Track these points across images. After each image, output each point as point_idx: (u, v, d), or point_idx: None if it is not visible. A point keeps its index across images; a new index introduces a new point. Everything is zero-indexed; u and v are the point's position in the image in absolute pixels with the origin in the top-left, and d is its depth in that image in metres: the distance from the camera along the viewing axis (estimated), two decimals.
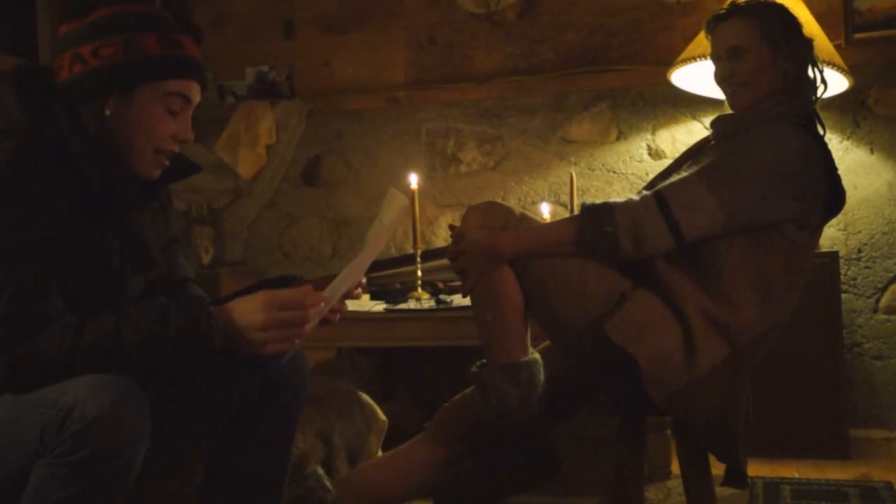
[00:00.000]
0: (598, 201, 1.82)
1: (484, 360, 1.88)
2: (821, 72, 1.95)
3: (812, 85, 1.94)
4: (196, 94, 1.52)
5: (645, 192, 1.84)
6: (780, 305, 1.85)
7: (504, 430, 1.82)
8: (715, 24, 1.98)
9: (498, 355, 1.83)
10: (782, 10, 1.98)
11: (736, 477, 1.86)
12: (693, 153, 2.04)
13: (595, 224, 1.77)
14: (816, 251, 2.82)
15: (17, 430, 1.27)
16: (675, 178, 1.86)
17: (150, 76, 1.45)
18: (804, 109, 1.91)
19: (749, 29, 1.92)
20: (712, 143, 2.00)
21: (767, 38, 1.90)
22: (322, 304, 1.43)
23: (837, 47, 2.84)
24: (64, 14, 1.48)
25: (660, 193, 1.79)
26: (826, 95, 2.87)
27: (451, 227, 1.91)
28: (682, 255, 1.82)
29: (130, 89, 1.45)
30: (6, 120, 1.40)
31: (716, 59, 1.98)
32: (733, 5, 1.99)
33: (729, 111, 2.01)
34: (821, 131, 1.92)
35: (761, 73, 1.91)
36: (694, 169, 1.85)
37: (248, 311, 1.36)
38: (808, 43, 1.95)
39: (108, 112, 1.44)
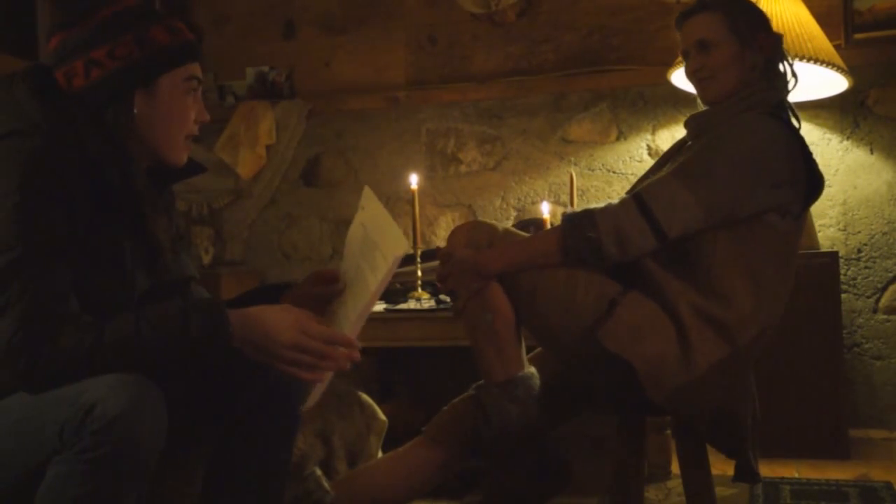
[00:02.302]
0: (577, 209, 1.83)
1: (481, 382, 1.89)
2: (790, 65, 1.97)
3: (783, 79, 1.95)
4: (201, 75, 1.56)
5: (624, 196, 1.85)
6: (773, 295, 1.85)
7: (509, 447, 1.83)
8: (683, 20, 2.01)
9: (494, 373, 1.84)
10: (749, 4, 2.00)
11: (746, 473, 1.86)
12: (671, 155, 2.06)
13: (577, 231, 1.78)
14: (816, 251, 2.84)
15: (35, 427, 1.27)
16: (652, 178, 1.88)
17: (168, 66, 1.47)
18: (774, 100, 1.92)
19: (716, 22, 1.94)
20: (689, 143, 2.01)
21: (734, 31, 1.92)
22: (346, 351, 1.40)
23: (837, 47, 2.84)
24: (58, 23, 1.48)
25: (638, 195, 1.80)
26: (826, 95, 2.91)
27: (438, 249, 1.91)
28: (670, 254, 1.82)
29: (153, 83, 1.46)
30: (25, 121, 1.40)
31: (685, 54, 2.01)
32: (701, 1, 2.00)
33: (702, 108, 2.03)
34: (795, 123, 1.93)
35: (729, 66, 1.92)
36: (671, 168, 1.86)
37: (282, 326, 1.36)
38: (776, 37, 1.97)
39: (135, 110, 1.46)
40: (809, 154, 1.89)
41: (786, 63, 1.96)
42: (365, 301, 1.49)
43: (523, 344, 1.89)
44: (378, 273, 1.47)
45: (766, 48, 1.93)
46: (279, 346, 1.36)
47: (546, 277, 1.81)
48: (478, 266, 1.82)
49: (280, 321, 1.37)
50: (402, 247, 1.45)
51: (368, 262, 1.51)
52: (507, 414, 1.82)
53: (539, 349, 2.03)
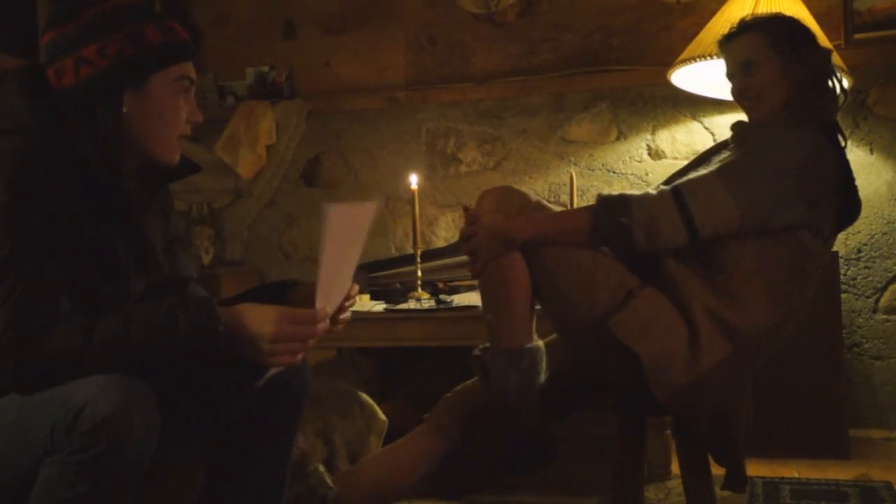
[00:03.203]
0: (614, 192, 1.82)
1: (487, 345, 1.88)
2: (839, 81, 1.95)
3: (832, 95, 1.93)
4: (195, 75, 1.54)
5: (662, 187, 1.84)
6: (787, 309, 1.85)
7: (502, 414, 1.82)
8: (726, 43, 2.00)
9: (502, 340, 1.83)
10: (792, 21, 1.99)
11: (735, 480, 1.86)
12: (711, 153, 2.05)
13: (611, 215, 1.77)
14: None
15: (26, 429, 1.27)
16: (692, 175, 1.87)
17: (159, 65, 1.46)
18: (825, 119, 1.91)
19: (758, 42, 1.93)
20: (731, 145, 2.01)
21: (777, 50, 1.91)
22: (327, 322, 1.43)
23: (837, 48, 2.84)
24: (50, 19, 1.47)
25: (677, 189, 1.79)
26: None
27: (466, 209, 1.90)
28: (693, 255, 1.82)
29: (143, 82, 1.45)
30: (13, 120, 1.40)
31: (730, 76, 2.00)
32: (742, 22, 1.99)
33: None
34: (841, 142, 1.92)
35: (774, 85, 1.92)
36: (712, 167, 1.86)
37: (261, 320, 1.37)
38: (823, 53, 1.95)
39: (125, 109, 1.45)
40: (852, 179, 1.88)
41: (834, 79, 1.94)
42: (340, 269, 1.50)
43: (534, 318, 1.88)
44: (357, 244, 1.49)
45: (811, 63, 1.92)
46: (262, 340, 1.36)
47: (569, 256, 1.80)
48: (504, 232, 1.81)
49: (259, 317, 1.37)
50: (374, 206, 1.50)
51: (352, 247, 1.51)
52: (507, 380, 1.81)
53: (551, 336, 2.02)
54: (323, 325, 1.41)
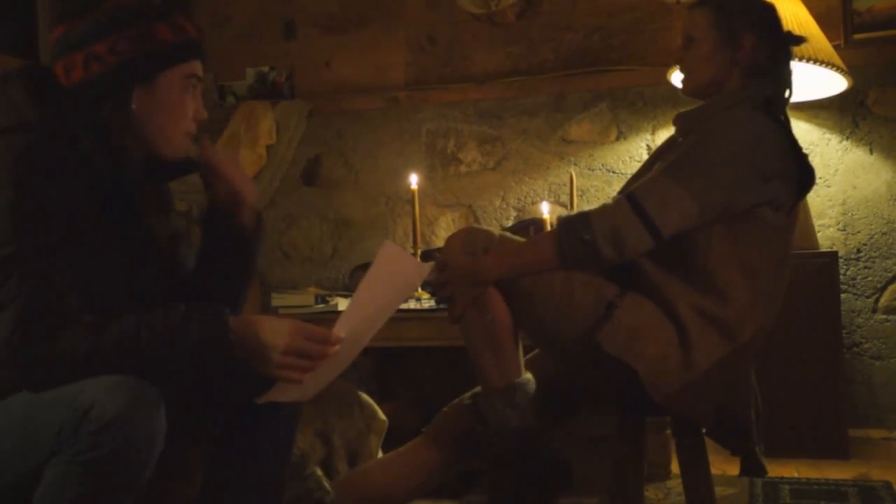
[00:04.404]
0: (573, 212, 1.82)
1: (476, 390, 1.89)
2: (787, 74, 1.92)
3: (773, 84, 1.91)
4: (202, 72, 1.55)
5: (617, 196, 1.84)
6: (770, 290, 1.85)
7: (508, 450, 1.83)
8: (686, 12, 2.01)
9: (492, 379, 1.84)
10: (749, 3, 1.95)
11: (752, 467, 1.86)
12: (661, 153, 2.05)
13: (573, 235, 1.77)
14: (816, 251, 2.84)
15: (33, 428, 1.27)
16: (644, 178, 1.87)
17: (169, 64, 1.47)
18: (763, 96, 1.89)
19: (703, 18, 1.93)
20: (679, 140, 2.01)
21: (717, 29, 1.90)
22: (339, 347, 1.43)
23: (837, 48, 2.84)
24: (61, 14, 1.47)
25: (632, 195, 1.79)
26: (826, 95, 2.91)
27: (434, 258, 1.90)
28: (666, 253, 1.82)
29: (153, 80, 1.46)
30: (17, 117, 1.40)
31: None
32: None
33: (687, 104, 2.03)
34: (781, 118, 1.90)
35: (702, 62, 1.93)
36: (662, 166, 1.86)
37: (275, 331, 1.37)
38: (770, 41, 1.92)
39: (134, 106, 1.45)
40: (799, 147, 1.88)
41: (782, 71, 1.91)
42: (370, 312, 1.50)
43: (521, 349, 1.88)
44: (394, 298, 1.52)
45: (744, 49, 1.89)
46: (274, 350, 1.36)
47: (543, 281, 1.81)
48: (475, 273, 1.81)
49: (273, 328, 1.38)
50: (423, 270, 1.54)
51: (388, 297, 1.52)
52: (505, 419, 1.82)
53: (536, 350, 2.03)
54: (334, 350, 1.42)
